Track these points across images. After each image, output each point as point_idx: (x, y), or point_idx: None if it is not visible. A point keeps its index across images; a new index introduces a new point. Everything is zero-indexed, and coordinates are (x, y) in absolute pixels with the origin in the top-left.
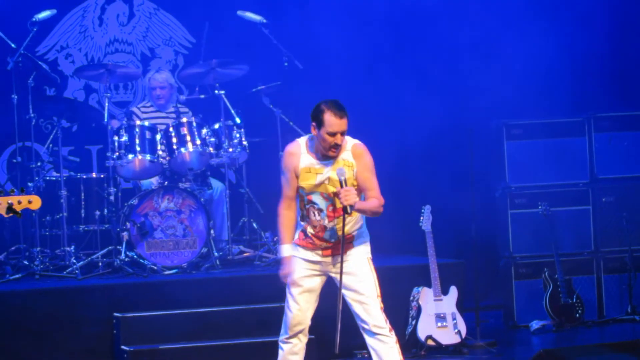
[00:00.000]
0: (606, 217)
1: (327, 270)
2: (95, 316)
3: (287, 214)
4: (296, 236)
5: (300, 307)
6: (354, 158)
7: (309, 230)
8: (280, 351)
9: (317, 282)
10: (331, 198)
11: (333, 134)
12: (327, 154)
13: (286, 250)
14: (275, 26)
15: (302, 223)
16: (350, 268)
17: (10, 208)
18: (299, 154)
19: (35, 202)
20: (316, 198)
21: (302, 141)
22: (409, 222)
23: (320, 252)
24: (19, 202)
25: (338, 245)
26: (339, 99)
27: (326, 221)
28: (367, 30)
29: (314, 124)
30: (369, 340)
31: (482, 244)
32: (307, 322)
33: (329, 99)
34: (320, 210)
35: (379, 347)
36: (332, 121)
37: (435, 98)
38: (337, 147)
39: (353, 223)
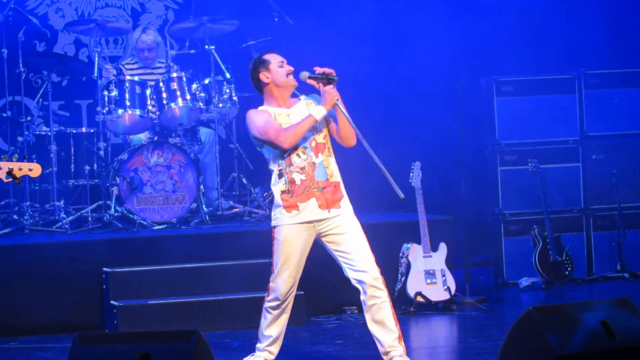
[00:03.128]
0: (596, 175)
1: (319, 232)
2: (84, 271)
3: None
4: (280, 204)
5: (292, 272)
6: (313, 99)
7: (297, 177)
8: (268, 315)
9: (309, 243)
10: (311, 133)
11: (282, 63)
12: (290, 83)
13: (317, 108)
14: None
15: (283, 179)
16: (343, 222)
17: (10, 173)
18: (266, 108)
19: (36, 170)
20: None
21: (260, 108)
22: (399, 179)
23: (316, 204)
24: (20, 169)
25: (330, 191)
26: (329, 55)
27: (313, 157)
28: None
29: (262, 72)
30: (364, 292)
31: (472, 201)
32: (297, 283)
33: None
34: (304, 148)
35: (372, 302)
36: (274, 55)
37: (425, 54)
38: (292, 73)
39: (333, 162)
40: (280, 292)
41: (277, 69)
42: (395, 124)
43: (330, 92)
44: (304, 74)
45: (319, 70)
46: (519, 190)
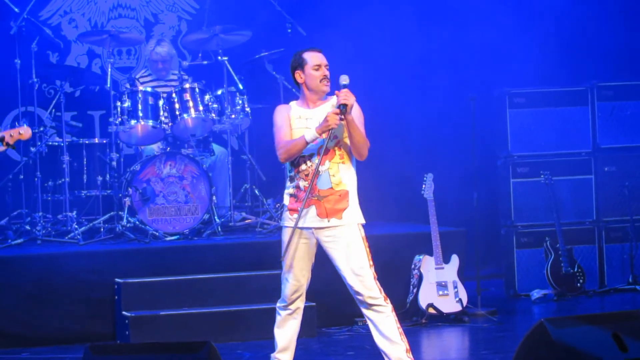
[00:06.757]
0: (608, 187)
1: (319, 239)
2: (96, 282)
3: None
4: (287, 203)
5: (296, 276)
6: None
7: (302, 184)
8: (277, 316)
9: (310, 249)
10: (322, 140)
11: (318, 67)
12: (321, 90)
13: (309, 130)
14: None
15: (292, 184)
16: (342, 236)
17: (2, 140)
18: (290, 107)
19: (25, 132)
20: (307, 146)
21: (291, 102)
22: (411, 190)
23: (314, 212)
24: (11, 136)
25: (332, 200)
26: (341, 67)
27: (318, 164)
28: None
29: (298, 71)
30: (364, 310)
31: (484, 213)
32: (304, 288)
33: None
34: (311, 156)
35: (375, 318)
36: (313, 55)
37: (439, 66)
38: (328, 79)
39: (345, 169)
40: (285, 293)
41: (312, 72)
42: (408, 135)
43: (328, 118)
44: (344, 78)
45: (347, 97)
46: (531, 202)
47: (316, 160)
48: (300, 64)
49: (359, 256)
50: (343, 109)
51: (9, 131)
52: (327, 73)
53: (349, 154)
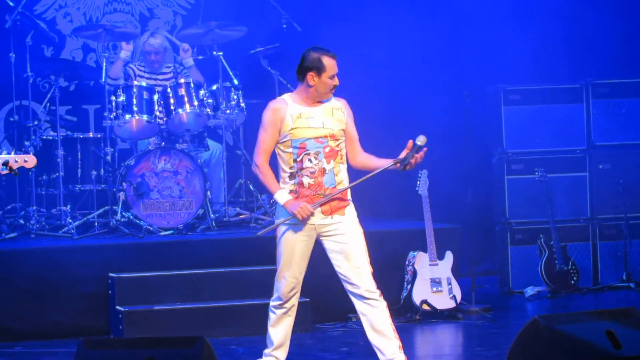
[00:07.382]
0: (603, 184)
1: (320, 233)
2: (90, 276)
3: (268, 166)
4: None
5: (294, 273)
6: (342, 104)
7: (306, 181)
8: (272, 315)
9: (309, 246)
10: (326, 139)
11: (333, 76)
12: (326, 97)
13: (283, 193)
14: None
15: (293, 181)
16: (344, 230)
17: (6, 165)
18: (286, 105)
19: (31, 161)
20: (310, 144)
21: (285, 96)
22: (406, 187)
23: (319, 209)
24: (16, 161)
25: (337, 198)
26: (337, 63)
27: (324, 163)
28: None
29: (312, 73)
30: (359, 304)
31: (478, 210)
32: (300, 285)
33: (313, 46)
34: (317, 154)
35: (369, 312)
36: (332, 63)
37: (434, 63)
38: (335, 88)
39: (344, 168)
40: (282, 292)
41: (327, 80)
42: (402, 132)
43: (299, 212)
44: (422, 140)
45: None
46: (526, 199)
47: (324, 161)
48: (318, 68)
49: (359, 250)
50: (405, 169)
51: (13, 156)
52: (338, 82)
53: (345, 155)
